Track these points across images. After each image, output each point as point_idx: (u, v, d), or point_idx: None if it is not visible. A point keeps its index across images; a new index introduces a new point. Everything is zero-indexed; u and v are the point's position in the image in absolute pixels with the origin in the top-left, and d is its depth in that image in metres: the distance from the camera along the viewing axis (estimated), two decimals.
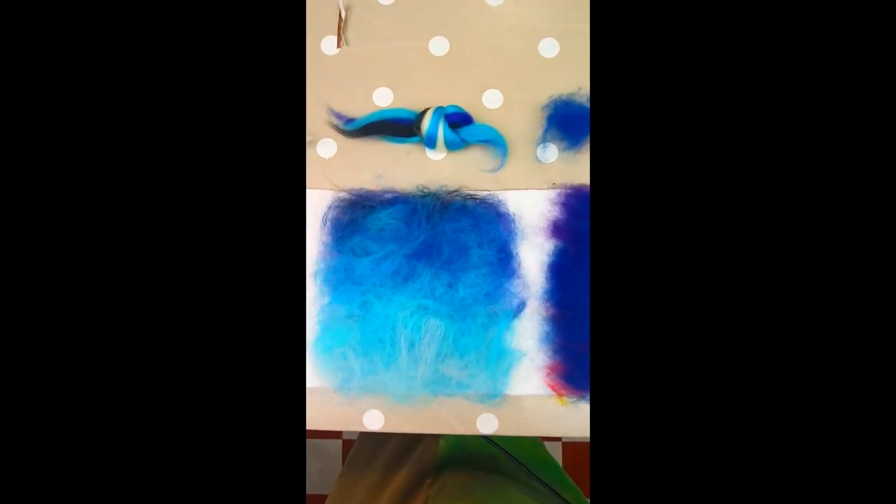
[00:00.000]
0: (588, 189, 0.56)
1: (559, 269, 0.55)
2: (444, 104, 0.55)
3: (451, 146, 0.55)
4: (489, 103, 0.58)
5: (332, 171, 0.57)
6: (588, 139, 0.56)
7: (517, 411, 0.54)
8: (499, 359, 0.53)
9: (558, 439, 1.41)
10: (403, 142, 0.57)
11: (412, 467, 0.65)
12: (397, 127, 0.56)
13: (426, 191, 0.55)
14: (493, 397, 0.53)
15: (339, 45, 0.59)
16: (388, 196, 0.55)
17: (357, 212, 0.55)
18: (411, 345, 0.52)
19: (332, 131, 0.57)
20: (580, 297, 0.54)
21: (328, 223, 0.55)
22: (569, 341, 0.54)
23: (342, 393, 0.54)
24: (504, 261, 0.54)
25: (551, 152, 0.57)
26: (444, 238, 0.53)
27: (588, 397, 0.54)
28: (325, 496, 0.70)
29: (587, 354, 0.54)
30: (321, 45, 0.59)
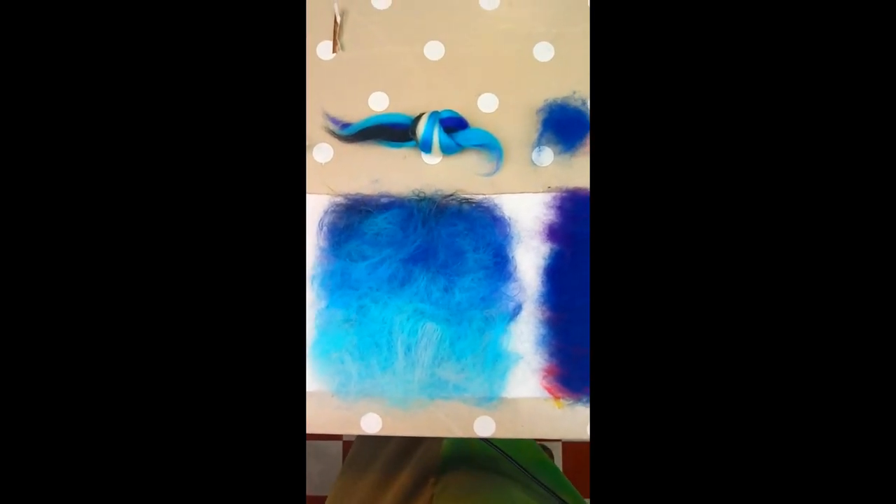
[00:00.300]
0: (583, 192, 0.56)
1: (555, 273, 0.55)
2: (440, 108, 0.56)
3: (446, 150, 0.55)
4: (484, 107, 0.58)
5: (329, 175, 0.57)
6: (583, 142, 0.56)
7: (514, 414, 0.54)
8: (495, 362, 0.53)
9: (557, 441, 1.41)
10: (399, 146, 0.57)
11: (415, 467, 0.66)
12: (393, 131, 0.56)
13: (422, 195, 0.55)
14: (489, 400, 0.54)
15: (334, 50, 0.59)
16: (384, 200, 0.55)
17: (353, 216, 0.55)
18: (408, 349, 0.52)
19: (329, 136, 0.58)
20: (576, 299, 0.54)
21: (325, 228, 0.55)
22: (565, 344, 0.54)
23: (339, 397, 0.54)
24: (500, 264, 0.54)
25: (547, 156, 0.57)
26: (440, 242, 0.53)
27: (584, 400, 0.54)
28: (326, 498, 0.70)
29: (584, 357, 0.54)
30: (317, 50, 0.59)
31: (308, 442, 1.43)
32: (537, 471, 0.67)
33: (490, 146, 0.55)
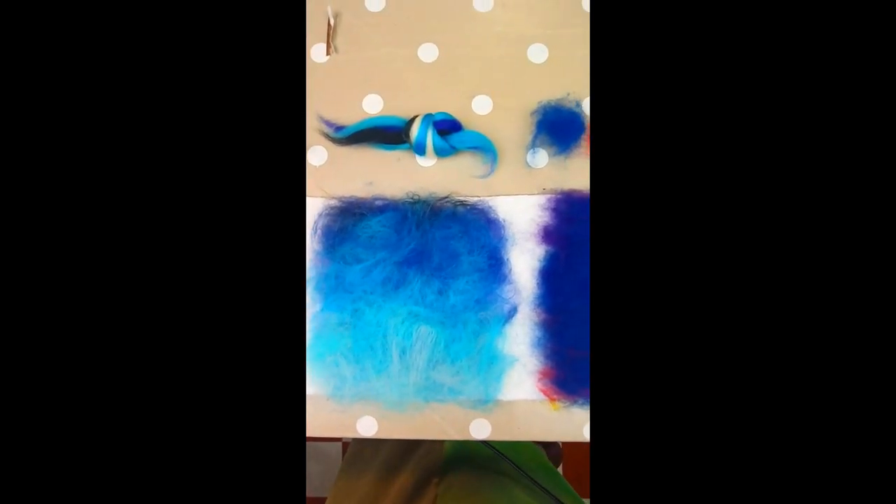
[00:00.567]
0: (578, 194, 0.56)
1: (550, 274, 0.55)
2: (434, 110, 0.56)
3: (440, 153, 0.55)
4: (479, 109, 0.58)
5: (323, 178, 0.57)
6: (578, 144, 0.56)
7: (510, 416, 0.54)
8: (490, 364, 0.53)
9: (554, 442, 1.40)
10: (393, 149, 0.57)
11: (417, 467, 0.66)
12: (387, 134, 0.56)
13: (416, 197, 0.55)
14: (485, 403, 0.54)
15: (328, 53, 0.59)
16: (378, 203, 0.55)
17: (347, 219, 0.55)
18: (403, 352, 0.52)
19: (323, 139, 0.57)
20: (571, 301, 0.54)
21: (319, 231, 0.55)
22: (561, 346, 0.54)
23: (335, 400, 0.54)
24: (494, 267, 0.54)
25: (541, 157, 0.57)
26: (435, 245, 0.53)
27: (580, 402, 0.54)
28: (325, 499, 0.70)
29: (579, 359, 0.54)
30: (311, 53, 0.59)
31: (307, 443, 1.43)
32: (536, 472, 0.67)
33: (484, 148, 0.55)
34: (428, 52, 0.59)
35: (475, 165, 0.57)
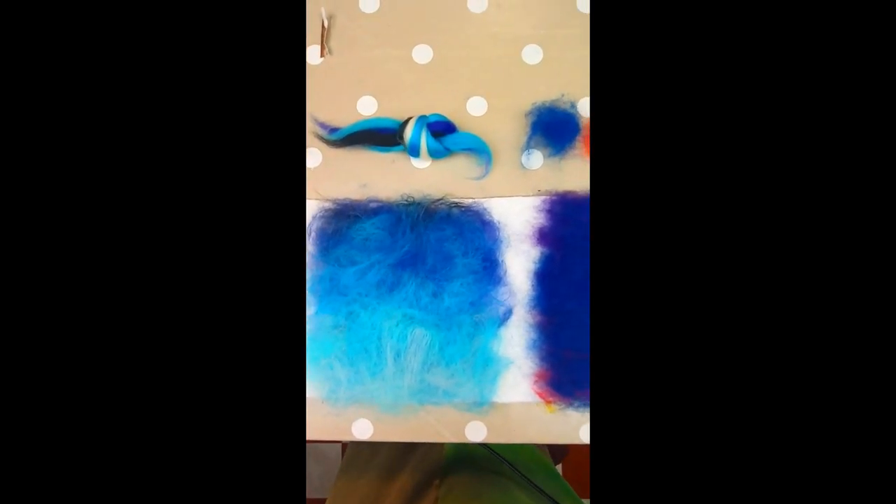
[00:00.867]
0: (573, 195, 0.56)
1: (545, 276, 0.55)
2: (429, 112, 0.55)
3: (434, 154, 0.55)
4: (473, 110, 0.58)
5: (317, 180, 0.57)
6: (573, 145, 0.56)
7: (505, 419, 0.54)
8: (485, 367, 0.53)
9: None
10: (388, 150, 0.57)
11: (417, 468, 0.66)
12: (381, 136, 0.56)
13: (410, 199, 0.55)
14: (480, 405, 0.53)
15: (322, 55, 0.59)
16: (372, 205, 0.55)
17: (342, 222, 0.55)
18: (397, 354, 0.52)
19: (317, 141, 0.57)
20: (567, 303, 0.54)
21: (313, 233, 0.55)
22: (556, 348, 0.54)
23: (330, 403, 0.54)
24: (489, 269, 0.54)
25: (536, 159, 0.56)
26: (429, 247, 0.53)
27: (576, 404, 0.54)
28: (325, 500, 0.69)
29: (575, 361, 0.54)
30: (305, 55, 0.59)
31: (307, 445, 1.43)
32: (536, 473, 0.67)
33: (479, 150, 0.55)
34: (422, 54, 0.59)
35: (470, 167, 0.57)
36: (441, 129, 0.54)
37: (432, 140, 0.53)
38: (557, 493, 0.64)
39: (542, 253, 0.55)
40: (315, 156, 0.57)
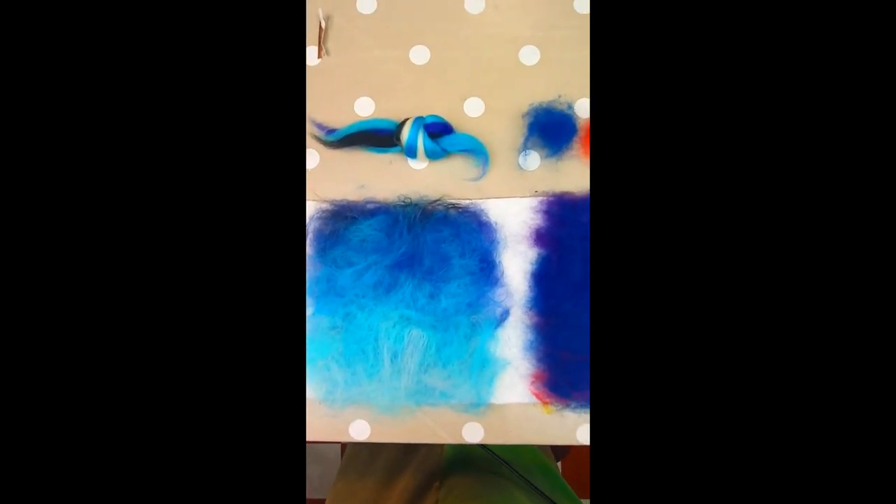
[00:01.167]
0: (570, 196, 0.56)
1: (542, 277, 0.55)
2: (426, 112, 0.55)
3: (431, 156, 0.55)
4: (470, 111, 0.57)
5: (315, 181, 0.57)
6: (570, 146, 0.56)
7: (502, 420, 0.54)
8: (482, 368, 0.53)
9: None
10: (385, 152, 0.57)
11: (418, 470, 0.66)
12: (378, 137, 0.56)
13: (407, 200, 0.55)
14: (477, 406, 0.53)
15: (319, 56, 0.59)
16: (369, 207, 0.55)
17: (339, 223, 0.55)
18: (394, 356, 0.52)
19: (314, 142, 0.57)
20: (564, 304, 0.54)
21: (310, 234, 0.55)
22: (553, 349, 0.54)
23: (326, 404, 0.54)
24: (486, 270, 0.54)
25: (533, 160, 0.56)
26: (426, 248, 0.53)
27: (573, 405, 0.54)
28: (325, 500, 0.69)
29: (572, 362, 0.54)
30: None
31: (306, 445, 1.42)
32: (535, 474, 0.67)
33: (476, 151, 0.55)
34: (419, 55, 0.59)
35: (467, 168, 0.57)
36: (438, 130, 0.54)
37: (429, 141, 0.53)
38: (556, 494, 0.64)
39: (538, 254, 0.55)
40: (312, 157, 0.57)
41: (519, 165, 0.56)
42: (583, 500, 0.68)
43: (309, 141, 0.57)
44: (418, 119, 0.54)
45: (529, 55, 0.58)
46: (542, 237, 0.55)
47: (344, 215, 0.55)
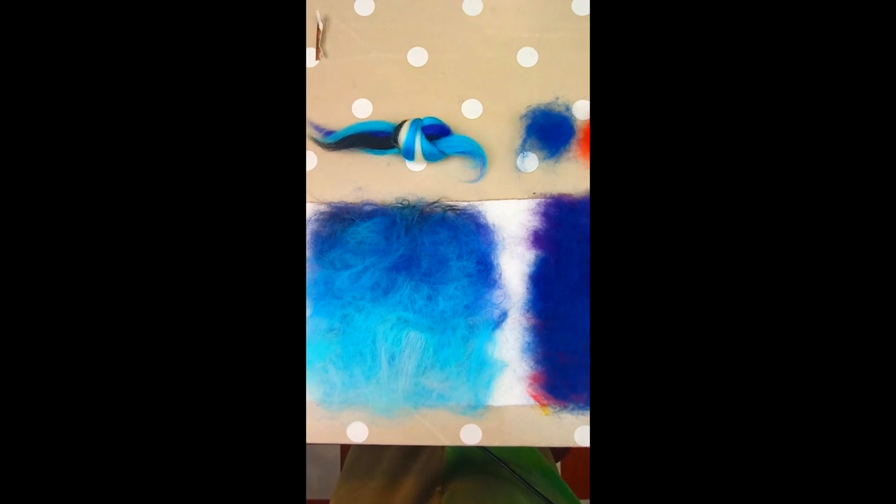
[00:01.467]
0: (568, 198, 0.56)
1: (540, 279, 0.55)
2: (424, 114, 0.55)
3: (429, 158, 0.55)
4: (468, 113, 0.57)
5: (312, 183, 0.57)
6: (567, 148, 0.56)
7: (500, 422, 0.54)
8: (480, 370, 0.53)
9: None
10: (383, 153, 0.56)
11: (420, 474, 0.66)
12: (376, 139, 0.56)
13: (405, 202, 0.55)
14: (475, 408, 0.53)
15: (317, 57, 0.59)
16: (367, 209, 0.55)
17: (336, 225, 0.55)
18: (392, 358, 0.52)
19: (312, 144, 0.57)
20: (562, 306, 0.54)
21: (308, 236, 0.55)
22: (551, 351, 0.54)
23: (324, 406, 0.54)
24: (484, 272, 0.54)
25: (531, 162, 0.56)
26: (424, 250, 0.53)
27: (571, 407, 0.54)
28: (325, 501, 0.69)
29: (570, 364, 0.54)
30: None
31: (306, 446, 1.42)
32: (534, 475, 0.67)
33: (473, 153, 0.55)
34: (417, 57, 0.59)
35: (464, 170, 0.57)
36: (436, 132, 0.54)
37: (427, 143, 0.53)
38: (556, 495, 0.64)
39: (536, 256, 0.55)
40: (310, 159, 0.57)
41: (517, 167, 0.56)
42: (582, 501, 0.68)
43: (307, 143, 0.57)
44: (416, 121, 0.54)
45: (527, 57, 0.58)
46: (539, 239, 0.55)
47: (341, 217, 0.55)
